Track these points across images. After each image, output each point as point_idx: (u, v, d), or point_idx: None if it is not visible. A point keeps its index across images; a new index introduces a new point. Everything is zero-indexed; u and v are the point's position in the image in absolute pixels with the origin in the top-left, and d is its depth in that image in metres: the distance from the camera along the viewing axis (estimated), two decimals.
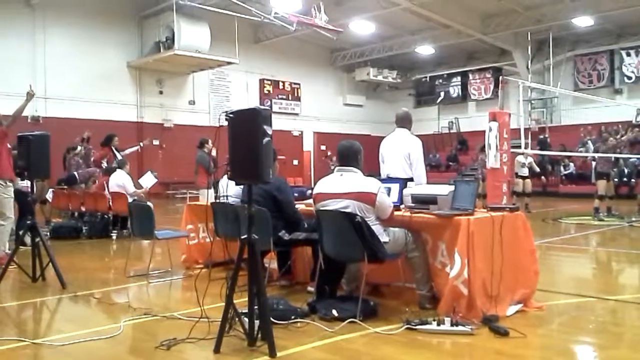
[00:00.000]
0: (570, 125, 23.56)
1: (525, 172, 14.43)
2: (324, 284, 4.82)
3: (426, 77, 28.91)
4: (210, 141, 10.82)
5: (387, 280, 5.15)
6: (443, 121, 28.88)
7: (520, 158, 14.48)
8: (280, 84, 25.44)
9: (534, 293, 4.75)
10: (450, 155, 26.22)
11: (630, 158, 14.67)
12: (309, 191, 6.20)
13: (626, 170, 17.29)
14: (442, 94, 28.68)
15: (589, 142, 19.61)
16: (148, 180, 10.74)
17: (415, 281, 4.76)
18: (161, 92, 21.73)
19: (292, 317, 4.32)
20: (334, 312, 4.38)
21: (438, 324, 4.06)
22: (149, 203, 7.47)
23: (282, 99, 25.46)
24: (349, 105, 28.71)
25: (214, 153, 10.88)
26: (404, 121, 6.37)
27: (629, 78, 23.25)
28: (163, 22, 19.89)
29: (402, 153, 6.15)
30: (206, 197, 10.09)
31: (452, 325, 4.03)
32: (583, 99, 21.24)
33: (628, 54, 23.30)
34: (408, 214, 4.76)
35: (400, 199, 5.03)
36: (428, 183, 6.09)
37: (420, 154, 6.20)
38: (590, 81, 24.28)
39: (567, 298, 5.32)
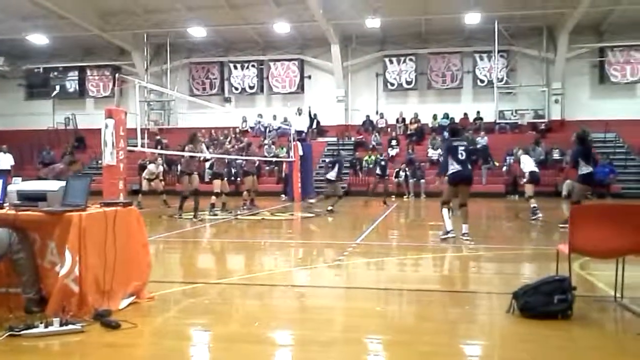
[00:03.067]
0: (186, 128, 24.96)
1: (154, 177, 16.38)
2: None
3: (39, 68, 26.71)
4: None
5: None
6: (59, 116, 27.16)
7: (152, 167, 15.62)
8: None
9: (146, 285, 4.94)
10: (66, 152, 24.75)
11: (237, 159, 16.63)
12: None
13: (233, 171, 19.29)
14: (58, 87, 27.01)
15: (203, 144, 21.18)
16: None
17: (21, 284, 4.39)
18: None
19: None
20: None
21: (46, 326, 3.86)
22: None
23: None
24: None
25: None
26: None
27: (236, 89, 26.09)
28: None
29: None
30: None
31: (61, 325, 3.89)
32: (198, 104, 22.84)
33: (235, 67, 26.10)
34: (13, 212, 4.38)
35: (4, 196, 4.58)
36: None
37: None
38: (203, 88, 26.29)
39: (180, 286, 5.71)
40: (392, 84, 24.99)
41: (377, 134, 23.80)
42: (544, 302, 4.30)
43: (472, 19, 21.53)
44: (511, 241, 9.57)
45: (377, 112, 25.07)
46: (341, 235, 10.70)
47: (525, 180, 12.90)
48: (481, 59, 24.27)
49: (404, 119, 24.57)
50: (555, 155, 21.05)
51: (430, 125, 24.13)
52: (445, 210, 8.91)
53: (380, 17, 21.25)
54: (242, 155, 15.87)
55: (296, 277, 6.58)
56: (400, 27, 23.25)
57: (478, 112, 23.82)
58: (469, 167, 9.00)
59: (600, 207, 6.14)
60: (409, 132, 23.88)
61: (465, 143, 9.12)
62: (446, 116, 24.12)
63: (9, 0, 19.70)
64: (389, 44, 24.93)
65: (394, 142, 23.07)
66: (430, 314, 4.72)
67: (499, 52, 23.25)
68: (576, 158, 10.10)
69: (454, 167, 8.70)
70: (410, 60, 24.72)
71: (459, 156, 8.69)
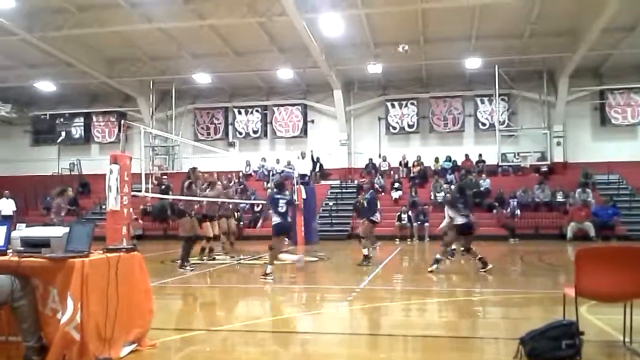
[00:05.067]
0: None
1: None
2: None
3: (46, 115, 27.10)
4: None
5: None
6: (64, 162, 27.39)
7: None
8: None
9: (147, 332, 4.87)
10: (71, 198, 24.83)
11: (240, 203, 16.75)
12: None
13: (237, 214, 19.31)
14: (64, 133, 27.32)
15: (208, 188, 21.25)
16: None
17: (21, 333, 4.34)
18: None
19: None
20: None
21: None
22: None
23: None
24: None
25: None
26: None
27: (240, 133, 26.35)
28: None
29: None
30: None
31: None
32: (202, 148, 23.01)
33: (239, 112, 26.42)
34: (16, 258, 4.37)
35: (7, 242, 4.58)
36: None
37: None
38: (208, 133, 26.55)
39: (181, 333, 5.63)
40: (395, 128, 25.19)
41: (380, 177, 23.86)
42: (552, 348, 4.22)
43: (473, 64, 21.86)
44: (516, 285, 9.46)
45: (379, 155, 25.17)
46: (345, 280, 10.58)
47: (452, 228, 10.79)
48: (482, 102, 24.51)
49: (406, 162, 24.65)
50: (559, 197, 21.01)
51: (432, 168, 24.19)
52: (283, 255, 10.74)
53: (381, 63, 21.60)
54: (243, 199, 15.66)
55: (299, 323, 6.50)
56: (402, 72, 23.60)
57: (480, 155, 23.89)
58: (289, 219, 10.25)
59: (607, 250, 6.08)
60: (411, 174, 23.93)
61: (288, 197, 10.04)
62: (449, 159, 24.20)
63: (17, 48, 20.10)
64: (390, 88, 25.26)
65: (397, 185, 23.08)
66: None
67: (499, 95, 23.51)
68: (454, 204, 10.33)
69: (275, 219, 9.70)
70: (412, 104, 24.97)
71: (279, 209, 9.59)
